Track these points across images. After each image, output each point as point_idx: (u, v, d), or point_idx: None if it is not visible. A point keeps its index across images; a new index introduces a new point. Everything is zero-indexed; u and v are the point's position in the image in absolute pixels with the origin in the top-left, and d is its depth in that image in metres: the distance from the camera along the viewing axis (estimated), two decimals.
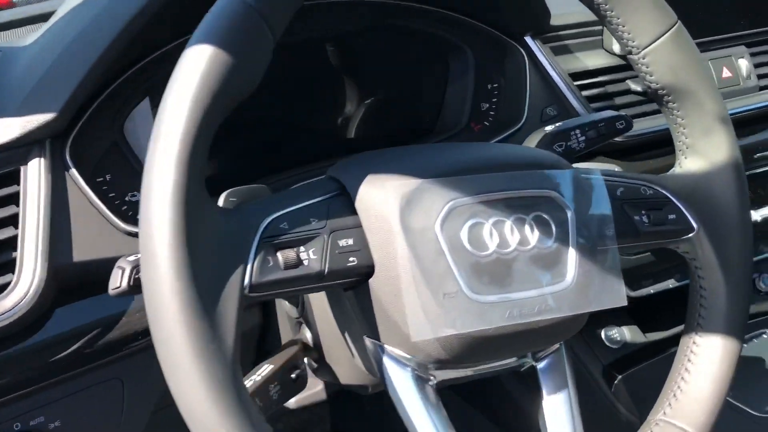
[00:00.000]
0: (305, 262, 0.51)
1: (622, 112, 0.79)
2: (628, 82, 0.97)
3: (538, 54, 0.92)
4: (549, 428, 0.61)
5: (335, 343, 0.67)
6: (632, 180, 0.65)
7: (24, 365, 0.65)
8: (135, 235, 0.69)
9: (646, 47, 0.64)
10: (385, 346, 0.57)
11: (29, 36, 0.80)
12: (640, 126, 0.92)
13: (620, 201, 0.64)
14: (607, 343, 1.12)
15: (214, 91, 0.46)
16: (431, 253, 0.53)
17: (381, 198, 0.53)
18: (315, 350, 0.71)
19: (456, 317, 0.53)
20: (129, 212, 0.71)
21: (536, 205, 0.57)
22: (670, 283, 1.07)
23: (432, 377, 0.58)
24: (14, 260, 0.63)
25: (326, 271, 0.52)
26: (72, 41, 0.65)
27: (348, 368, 0.68)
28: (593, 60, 0.96)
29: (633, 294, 1.09)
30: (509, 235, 0.55)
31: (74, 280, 0.66)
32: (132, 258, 0.54)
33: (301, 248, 0.52)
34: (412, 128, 0.96)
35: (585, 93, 0.94)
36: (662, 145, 0.92)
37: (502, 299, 0.54)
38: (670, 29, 0.63)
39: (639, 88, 0.96)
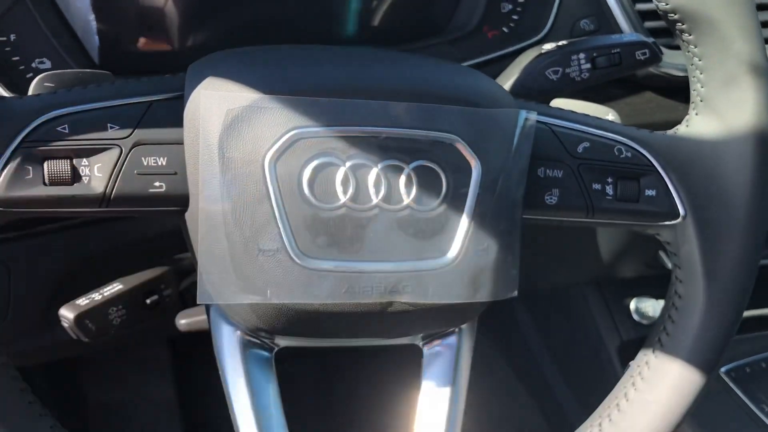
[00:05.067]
0: (85, 180, 0.40)
1: (650, 38, 0.59)
2: None
3: None
4: (417, 422, 0.48)
5: None
6: (606, 133, 0.48)
7: None
8: None
9: None
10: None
11: None
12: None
13: (579, 161, 0.47)
14: (636, 317, 0.94)
15: None
16: (251, 195, 0.40)
17: (207, 112, 0.40)
18: None
19: (268, 282, 0.40)
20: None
21: (425, 152, 0.42)
22: None
23: (272, 345, 0.47)
24: None
25: (112, 195, 0.41)
26: None
27: None
28: None
29: None
30: (372, 187, 0.41)
31: None
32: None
33: (83, 161, 0.40)
34: (425, 24, 0.79)
35: (640, 6, 0.72)
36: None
37: (341, 268, 0.41)
38: None
39: None
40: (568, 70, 0.58)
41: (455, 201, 0.42)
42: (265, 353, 0.47)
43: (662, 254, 0.89)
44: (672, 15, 0.46)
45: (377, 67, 0.45)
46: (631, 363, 0.53)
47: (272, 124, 0.40)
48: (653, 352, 0.50)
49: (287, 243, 0.40)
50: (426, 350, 0.49)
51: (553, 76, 0.59)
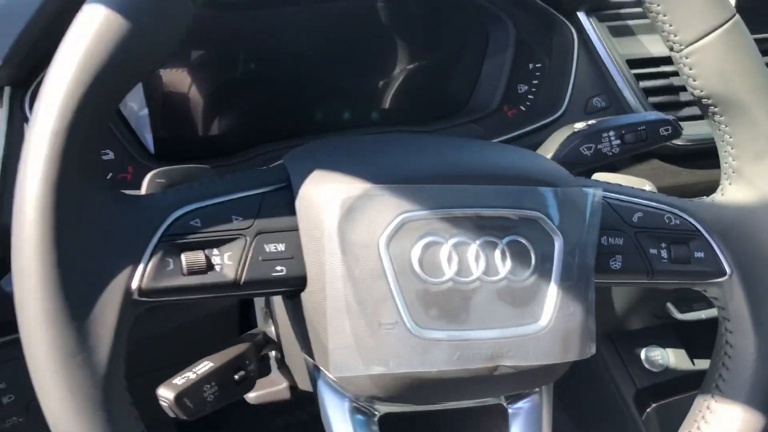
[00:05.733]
0: (217, 268, 0.44)
1: (671, 116, 0.66)
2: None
3: (591, 33, 0.79)
4: None
5: (292, 345, 0.60)
6: (656, 204, 0.54)
7: None
8: None
9: (691, 44, 0.51)
10: (322, 369, 0.49)
11: None
12: (701, 130, 0.78)
13: (636, 229, 0.53)
14: (647, 366, 1.00)
15: (102, 62, 0.39)
16: (370, 274, 0.44)
17: (322, 201, 0.45)
18: (277, 346, 0.65)
19: (391, 354, 0.44)
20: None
21: (514, 228, 0.47)
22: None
23: (375, 411, 0.50)
24: None
25: (242, 280, 0.44)
26: None
27: (305, 375, 0.61)
28: (657, 46, 0.82)
29: (681, 317, 0.97)
30: (473, 262, 0.46)
31: None
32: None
33: (215, 251, 0.44)
34: (442, 105, 0.86)
35: (643, 84, 0.80)
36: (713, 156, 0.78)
37: (452, 337, 0.45)
38: (723, 24, 0.51)
39: None
40: (600, 146, 0.65)
41: (543, 271, 0.47)
42: (369, 419, 0.50)
43: (670, 305, 0.96)
44: (706, 100, 0.53)
45: (463, 154, 0.51)
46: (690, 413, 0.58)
47: (383, 210, 0.45)
48: (713, 396, 0.55)
49: (404, 316, 0.44)
50: (511, 409, 0.53)
51: (587, 151, 0.65)
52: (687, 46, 0.51)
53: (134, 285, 0.42)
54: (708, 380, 0.56)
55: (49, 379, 0.39)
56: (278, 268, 0.45)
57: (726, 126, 0.54)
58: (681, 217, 0.54)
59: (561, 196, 0.48)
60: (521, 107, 0.81)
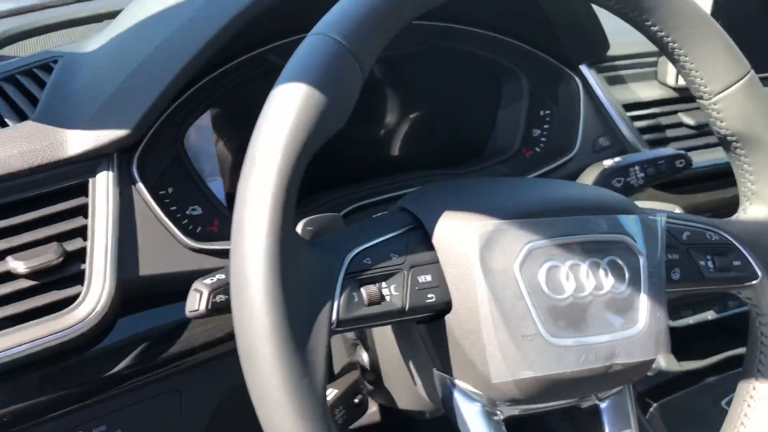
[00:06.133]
0: (387, 299, 0.52)
1: (680, 150, 0.79)
2: (680, 115, 0.97)
3: (593, 83, 0.92)
4: None
5: (396, 370, 0.67)
6: (698, 224, 0.66)
7: (87, 375, 0.66)
8: (197, 250, 0.69)
9: (718, 94, 0.64)
10: (456, 381, 0.57)
11: (87, 41, 0.80)
12: (698, 159, 0.92)
13: (686, 245, 0.64)
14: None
15: (308, 130, 0.46)
16: (511, 295, 0.53)
17: (461, 237, 0.53)
18: (372, 373, 0.72)
19: (534, 360, 0.53)
20: (189, 226, 0.71)
21: (610, 250, 0.57)
22: (709, 315, 1.07)
23: (499, 412, 0.58)
24: (83, 272, 0.63)
25: (407, 307, 0.52)
26: (149, 56, 0.65)
27: (407, 394, 0.68)
28: (647, 92, 0.96)
29: (672, 324, 1.10)
30: (585, 279, 0.55)
31: (137, 294, 0.66)
32: (208, 281, 0.55)
33: (383, 284, 0.52)
34: (462, 149, 0.96)
35: (637, 124, 0.94)
36: (713, 178, 0.92)
37: (578, 343, 0.54)
38: (743, 78, 0.63)
39: (691, 122, 0.96)
40: (628, 179, 0.77)
41: (635, 284, 0.57)
42: (498, 421, 0.58)
43: None
44: (730, 137, 0.66)
45: (556, 192, 0.61)
46: (730, 399, 0.69)
47: (513, 241, 0.54)
48: (756, 379, 0.66)
49: (540, 328, 0.53)
50: (603, 404, 0.63)
51: (617, 184, 0.77)
52: (715, 95, 0.64)
53: (333, 317, 0.49)
54: (748, 368, 0.68)
55: (283, 400, 0.45)
56: (429, 295, 0.53)
57: (746, 157, 0.66)
58: (718, 233, 0.66)
59: (642, 222, 0.59)
60: (536, 149, 0.93)
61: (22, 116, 0.67)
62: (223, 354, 0.72)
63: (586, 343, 0.54)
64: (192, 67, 0.63)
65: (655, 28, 0.61)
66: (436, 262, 0.54)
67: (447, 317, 0.55)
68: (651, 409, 1.07)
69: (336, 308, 0.49)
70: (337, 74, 0.48)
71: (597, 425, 0.64)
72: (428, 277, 0.54)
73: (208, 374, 0.73)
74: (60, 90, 0.70)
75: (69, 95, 0.69)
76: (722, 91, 0.63)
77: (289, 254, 0.46)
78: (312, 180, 0.85)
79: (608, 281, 0.56)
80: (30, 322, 0.61)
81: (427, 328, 0.58)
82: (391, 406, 0.72)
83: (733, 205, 0.71)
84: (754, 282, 0.66)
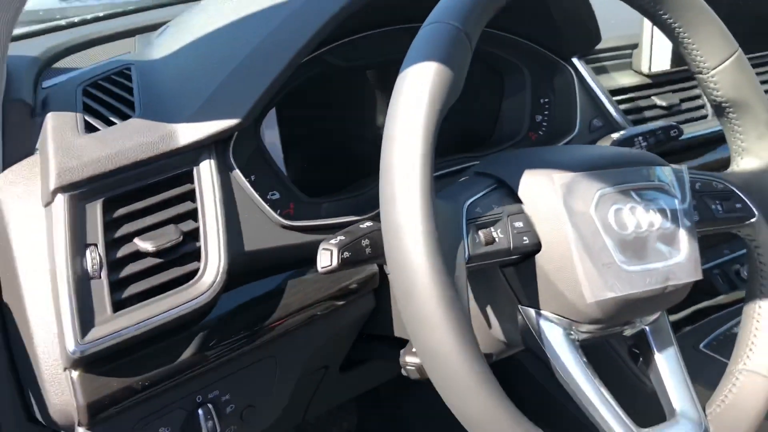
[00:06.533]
0: (496, 240, 0.63)
1: (674, 122, 0.94)
2: (653, 98, 1.13)
3: (584, 73, 1.06)
4: (667, 381, 0.73)
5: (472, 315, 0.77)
6: (705, 176, 0.80)
7: (201, 346, 0.73)
8: (287, 227, 0.77)
9: (715, 69, 0.78)
10: (542, 311, 0.68)
11: (147, 49, 0.88)
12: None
13: (700, 193, 0.78)
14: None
15: (441, 102, 0.57)
16: (591, 232, 0.65)
17: (545, 188, 0.65)
18: None
19: (613, 283, 0.65)
20: (273, 208, 0.79)
21: (655, 194, 0.70)
22: None
23: (577, 336, 0.70)
24: (198, 249, 0.71)
25: (512, 247, 0.63)
26: (253, 53, 0.73)
27: (481, 338, 0.78)
28: (625, 79, 1.12)
29: None
30: (642, 218, 0.68)
31: (241, 268, 0.74)
32: (334, 241, 0.64)
33: (491, 228, 0.63)
34: (472, 137, 1.08)
35: (621, 107, 1.09)
36: (694, 148, 1.08)
37: (643, 269, 0.67)
38: (733, 54, 0.78)
39: (663, 103, 1.12)
40: (633, 148, 0.91)
41: (675, 222, 0.70)
42: (576, 342, 0.70)
43: None
44: (724, 104, 0.80)
45: (613, 151, 0.73)
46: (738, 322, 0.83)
47: (586, 189, 0.66)
48: (760, 299, 0.81)
49: (615, 258, 0.65)
50: (648, 328, 0.76)
51: None
52: (712, 70, 0.78)
53: (466, 254, 0.59)
54: (752, 290, 0.82)
55: (439, 318, 0.54)
56: (524, 239, 0.65)
57: (737, 120, 0.81)
58: (722, 182, 0.80)
59: (674, 171, 0.73)
60: (540, 132, 1.06)
61: (122, 116, 0.74)
62: (308, 320, 0.81)
63: (648, 268, 0.67)
64: (296, 62, 0.72)
65: (666, 16, 0.75)
66: (523, 212, 0.66)
67: (537, 256, 0.66)
68: (641, 359, 1.22)
69: (466, 247, 0.60)
70: (455, 54, 0.59)
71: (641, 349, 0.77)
72: (520, 224, 0.65)
73: (297, 340, 0.81)
74: (151, 91, 0.77)
75: (162, 94, 0.76)
76: (718, 66, 0.78)
77: (433, 209, 0.56)
78: (347, 173, 0.96)
79: (657, 219, 0.69)
80: (161, 295, 0.68)
81: (515, 270, 0.69)
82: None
83: (714, 168, 0.86)
84: (752, 220, 0.81)
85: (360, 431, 1.56)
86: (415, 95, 0.57)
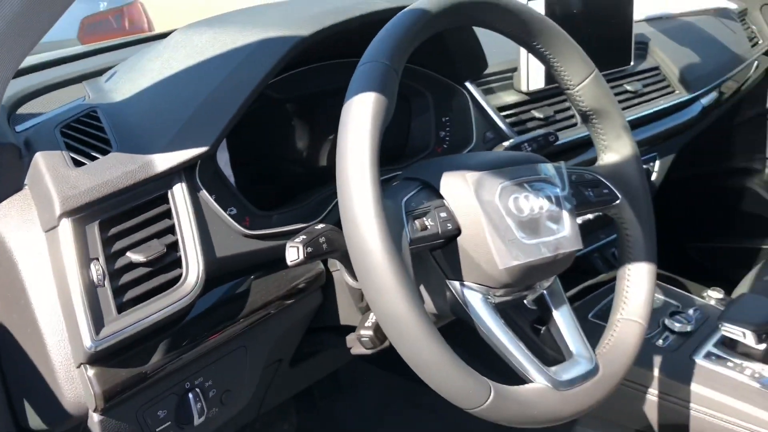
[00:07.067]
0: (428, 227, 0.80)
1: (552, 130, 1.16)
2: (533, 111, 1.36)
3: (476, 94, 1.27)
4: (563, 331, 0.93)
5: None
6: (579, 170, 1.01)
7: (185, 340, 0.86)
8: (248, 236, 0.92)
9: (579, 85, 1.00)
10: (466, 282, 0.86)
11: (108, 92, 1.01)
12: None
13: (576, 183, 0.99)
14: (529, 306, 1.48)
15: (381, 123, 0.74)
16: (497, 216, 0.84)
17: (461, 185, 0.84)
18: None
19: (517, 254, 0.84)
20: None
21: (543, 185, 0.90)
22: None
23: (491, 298, 0.89)
24: (179, 259, 0.84)
25: (440, 232, 0.81)
26: (213, 93, 0.88)
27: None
28: (509, 97, 1.34)
29: None
30: (534, 203, 0.88)
31: (215, 272, 0.88)
32: (298, 240, 0.80)
33: (424, 218, 0.81)
34: (387, 152, 1.26)
35: (507, 120, 1.30)
36: (566, 151, 1.31)
37: (538, 242, 0.86)
38: (592, 73, 1.00)
39: (541, 116, 1.35)
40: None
41: (558, 205, 0.91)
42: (494, 306, 0.88)
43: None
44: (588, 112, 1.02)
45: (509, 154, 0.93)
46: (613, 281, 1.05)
47: (491, 183, 0.85)
48: (630, 263, 1.02)
49: (517, 235, 0.84)
50: (545, 292, 0.95)
51: None
52: (577, 86, 1.00)
53: (408, 239, 0.77)
54: (622, 257, 1.04)
55: (393, 282, 0.71)
56: (448, 225, 0.83)
57: (599, 125, 1.03)
58: (591, 174, 1.02)
59: (553, 167, 0.93)
60: (444, 145, 1.26)
61: (101, 151, 0.87)
62: (270, 314, 0.95)
63: (542, 241, 0.87)
64: (252, 98, 0.88)
65: (538, 46, 0.96)
66: (443, 205, 0.84)
67: (459, 239, 0.84)
68: (542, 331, 1.43)
69: (407, 233, 0.77)
70: (388, 85, 0.76)
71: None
72: (444, 214, 0.84)
73: (261, 331, 0.95)
74: (120, 128, 0.90)
75: (133, 130, 0.89)
76: (581, 83, 1.00)
77: (382, 204, 0.73)
78: (288, 188, 1.11)
79: (545, 203, 0.89)
80: (153, 298, 0.81)
81: (442, 252, 0.87)
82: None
83: (586, 164, 1.08)
84: (617, 202, 1.03)
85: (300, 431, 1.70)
86: (361, 118, 0.74)
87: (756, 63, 2.10)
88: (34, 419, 0.86)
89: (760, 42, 2.13)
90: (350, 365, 1.66)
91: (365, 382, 1.72)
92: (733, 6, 2.08)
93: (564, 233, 0.90)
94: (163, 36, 1.20)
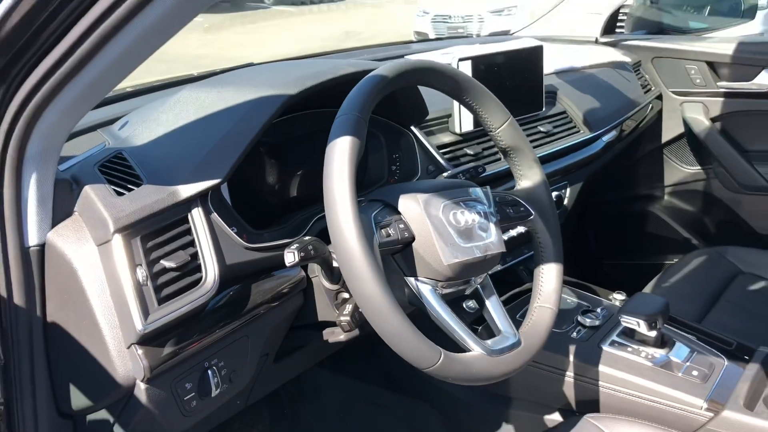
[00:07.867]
0: (392, 235, 1.08)
1: (480, 164, 1.47)
2: (465, 149, 1.67)
3: (420, 135, 1.57)
4: (494, 315, 1.22)
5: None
6: (501, 193, 1.31)
7: (206, 326, 1.10)
8: (249, 248, 1.17)
9: (498, 128, 1.31)
10: (419, 277, 1.14)
11: (131, 137, 1.26)
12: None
13: (499, 203, 1.29)
14: (468, 310, 1.76)
15: (355, 158, 1.02)
16: (441, 226, 1.13)
17: (414, 204, 1.13)
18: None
19: (456, 254, 1.13)
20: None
21: (474, 203, 1.20)
22: (498, 266, 1.76)
23: (439, 290, 1.16)
24: (199, 265, 1.09)
25: (399, 238, 1.09)
26: (224, 136, 1.14)
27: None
28: (445, 138, 1.65)
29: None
30: (468, 217, 1.17)
31: (226, 276, 1.13)
32: (293, 247, 1.07)
33: (388, 228, 1.08)
34: None
35: (445, 156, 1.60)
36: (493, 180, 1.61)
37: (472, 245, 1.15)
38: (508, 119, 1.31)
39: (471, 152, 1.66)
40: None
41: (486, 219, 1.20)
42: (441, 297, 1.15)
43: None
44: (507, 149, 1.33)
45: (448, 181, 1.22)
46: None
47: (436, 201, 1.14)
48: (543, 264, 1.32)
49: (456, 240, 1.13)
50: (479, 285, 1.24)
51: None
52: (498, 129, 1.30)
53: (379, 242, 1.04)
54: (537, 259, 1.33)
55: (367, 270, 0.98)
56: (405, 233, 1.11)
57: (516, 158, 1.33)
58: (511, 196, 1.32)
59: (480, 191, 1.23)
60: (395, 177, 1.54)
61: (135, 184, 1.11)
62: (265, 310, 1.21)
63: (475, 245, 1.16)
64: (254, 142, 1.14)
65: (466, 98, 1.26)
66: (401, 219, 1.12)
67: (414, 244, 1.13)
68: (479, 329, 1.71)
69: (377, 238, 1.05)
70: (359, 131, 1.04)
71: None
72: (401, 225, 1.12)
73: (261, 323, 1.21)
74: (146, 166, 1.15)
75: (158, 168, 1.14)
76: (500, 127, 1.30)
77: (359, 220, 1.00)
78: (275, 211, 1.38)
79: (476, 217, 1.18)
80: (182, 295, 1.06)
81: (401, 255, 1.15)
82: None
83: (507, 188, 1.38)
84: (531, 217, 1.33)
85: None
86: (342, 156, 1.01)
87: (651, 106, 2.49)
88: (78, 399, 1.09)
89: (652, 88, 2.52)
90: (313, 372, 1.91)
91: (328, 387, 1.96)
92: (627, 59, 2.47)
93: (491, 239, 1.19)
94: (156, 89, 1.47)
